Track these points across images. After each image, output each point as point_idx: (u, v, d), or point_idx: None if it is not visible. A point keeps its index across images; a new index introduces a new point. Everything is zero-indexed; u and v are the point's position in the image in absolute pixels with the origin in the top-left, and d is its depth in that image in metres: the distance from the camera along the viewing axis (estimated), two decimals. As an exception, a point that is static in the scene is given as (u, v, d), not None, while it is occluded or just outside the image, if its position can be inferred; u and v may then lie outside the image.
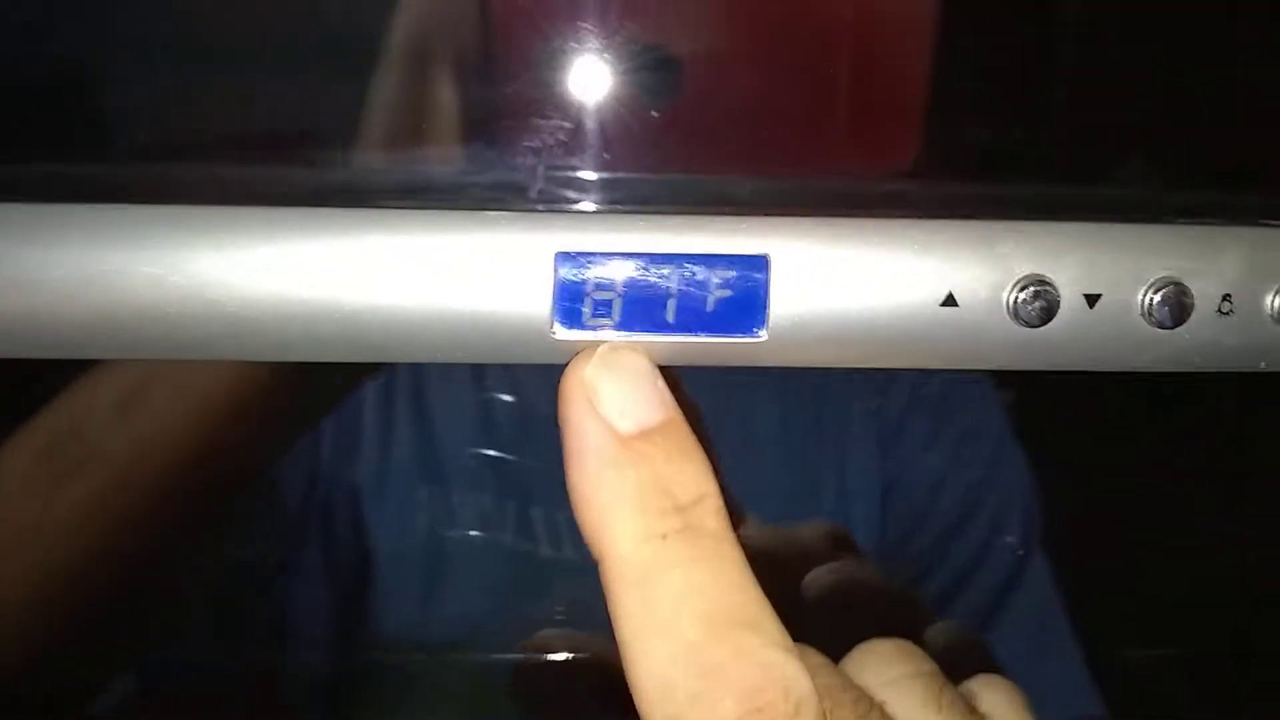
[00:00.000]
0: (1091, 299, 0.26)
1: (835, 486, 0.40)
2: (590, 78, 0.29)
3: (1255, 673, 0.42)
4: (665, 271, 0.25)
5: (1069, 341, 0.26)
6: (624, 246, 0.25)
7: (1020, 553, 0.40)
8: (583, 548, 0.23)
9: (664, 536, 0.22)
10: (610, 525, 0.22)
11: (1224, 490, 0.40)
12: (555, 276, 0.25)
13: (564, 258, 0.25)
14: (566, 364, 0.24)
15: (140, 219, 0.24)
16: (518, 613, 0.41)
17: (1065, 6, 0.30)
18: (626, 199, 0.28)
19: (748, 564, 0.23)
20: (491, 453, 0.39)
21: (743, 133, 0.30)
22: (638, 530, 0.22)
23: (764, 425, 0.39)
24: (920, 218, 0.25)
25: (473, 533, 0.40)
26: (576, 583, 0.40)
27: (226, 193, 0.25)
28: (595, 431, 0.23)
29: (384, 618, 0.41)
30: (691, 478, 0.23)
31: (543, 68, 0.29)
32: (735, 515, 0.30)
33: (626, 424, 0.23)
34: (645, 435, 0.23)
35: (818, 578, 0.38)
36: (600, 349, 0.24)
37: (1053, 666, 0.41)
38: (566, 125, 0.29)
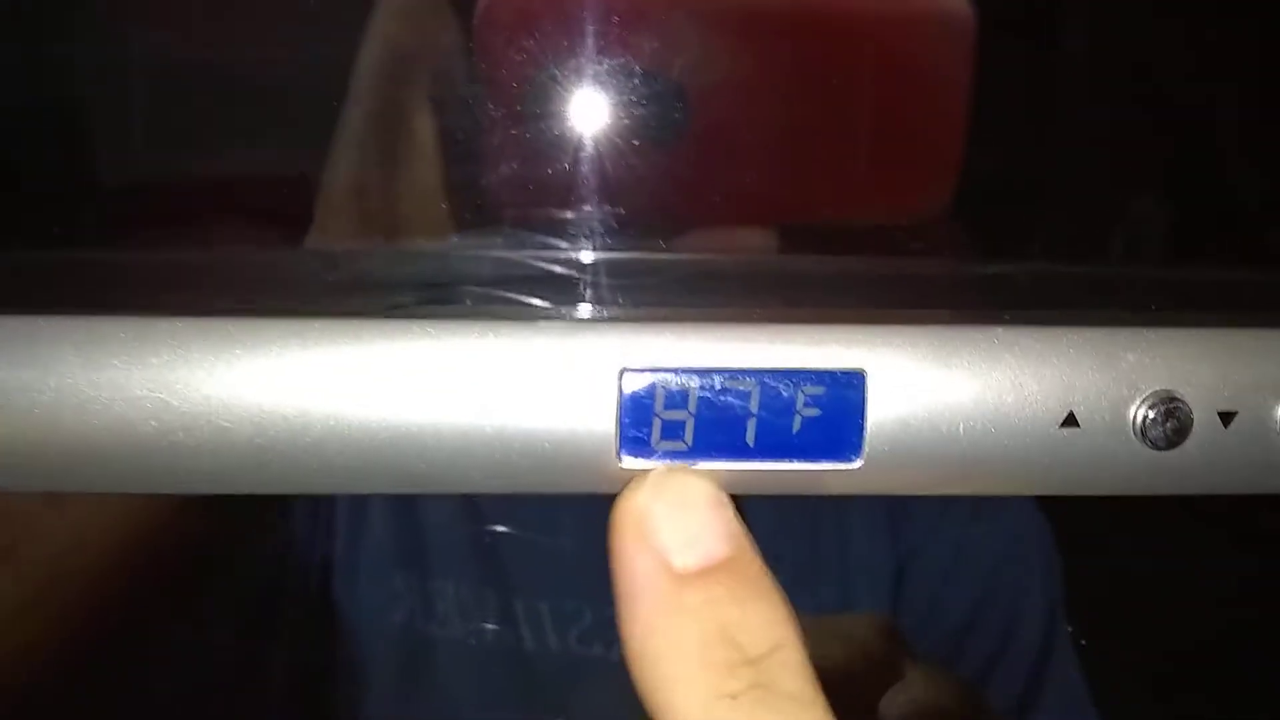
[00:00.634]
0: (1226, 417, 0.23)
1: (840, 565, 0.38)
2: (635, 154, 0.26)
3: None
4: (745, 388, 0.22)
5: (1202, 465, 0.23)
6: (697, 360, 0.22)
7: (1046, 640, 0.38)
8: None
9: (734, 697, 0.18)
10: (669, 683, 0.19)
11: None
12: (619, 395, 0.21)
13: (629, 374, 0.22)
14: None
15: (140, 330, 0.21)
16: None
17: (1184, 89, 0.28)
18: (694, 294, 0.25)
19: None
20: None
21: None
22: (702, 690, 0.19)
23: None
24: (1034, 324, 0.22)
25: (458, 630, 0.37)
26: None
27: (239, 302, 0.22)
28: (650, 570, 0.20)
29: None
30: (764, 624, 0.19)
31: (579, 148, 0.26)
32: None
33: (686, 560, 0.20)
34: (708, 573, 0.20)
35: (893, 699, 0.35)
36: (655, 472, 0.21)
37: None
38: (619, 210, 0.26)
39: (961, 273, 0.25)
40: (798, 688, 0.19)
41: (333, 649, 0.38)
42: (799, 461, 0.22)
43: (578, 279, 0.26)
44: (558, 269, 0.26)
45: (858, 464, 0.22)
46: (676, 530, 0.20)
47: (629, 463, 0.22)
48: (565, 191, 0.26)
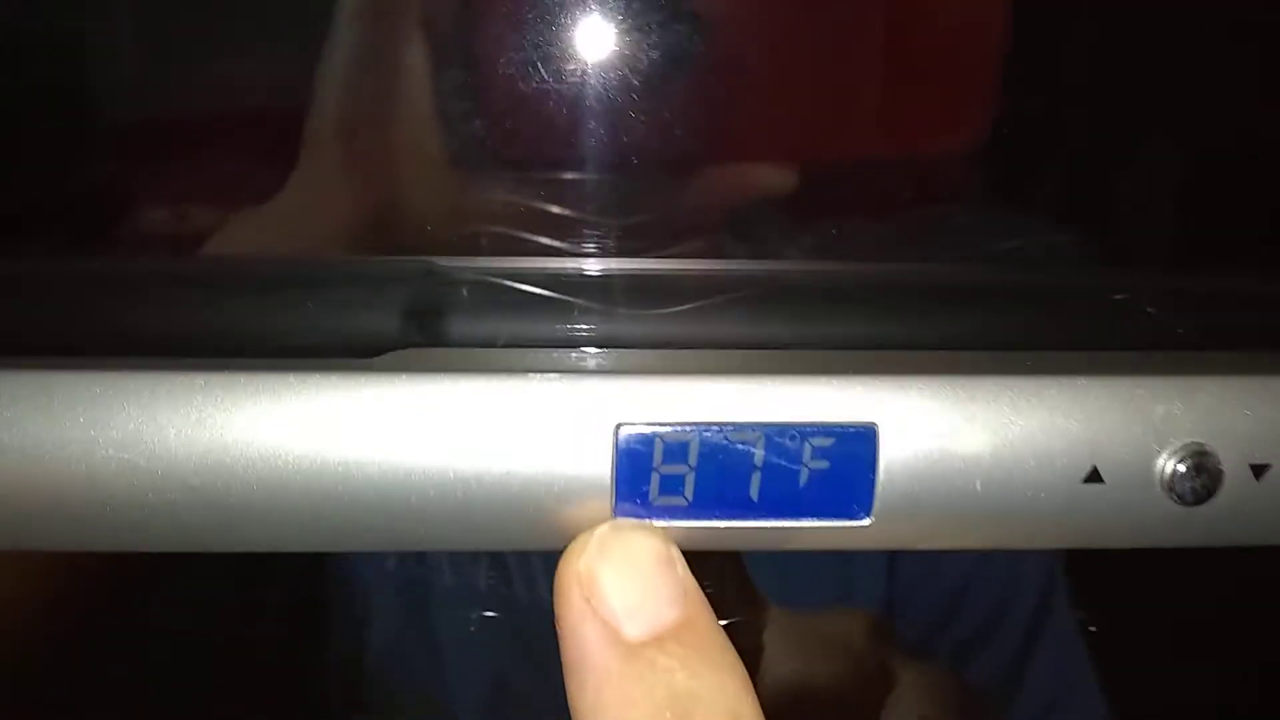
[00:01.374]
0: (1259, 469, 0.21)
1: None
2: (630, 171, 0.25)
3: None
4: (750, 443, 0.20)
5: (1233, 519, 0.21)
6: (696, 414, 0.20)
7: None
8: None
9: None
10: None
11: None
12: (615, 451, 0.20)
13: (626, 428, 0.20)
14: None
15: (116, 383, 0.20)
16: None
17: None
18: (696, 328, 0.24)
19: None
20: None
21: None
22: None
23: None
24: (1055, 374, 0.21)
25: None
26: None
27: (220, 348, 0.21)
28: (597, 639, 0.18)
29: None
30: (718, 694, 0.18)
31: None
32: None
33: (634, 628, 0.18)
34: (658, 641, 0.18)
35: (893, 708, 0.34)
36: (599, 529, 0.19)
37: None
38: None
39: (982, 313, 0.23)
40: None
41: (326, 594, 0.37)
42: (806, 519, 0.21)
43: (574, 306, 0.24)
44: (553, 293, 0.25)
45: (868, 521, 0.21)
46: (623, 594, 0.18)
47: (624, 518, 0.20)
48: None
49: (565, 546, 0.21)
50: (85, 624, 0.33)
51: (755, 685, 0.18)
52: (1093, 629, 0.37)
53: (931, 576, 0.38)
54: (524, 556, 0.36)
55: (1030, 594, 0.38)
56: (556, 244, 0.25)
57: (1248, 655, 0.37)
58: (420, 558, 0.36)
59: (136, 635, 0.35)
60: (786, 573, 0.36)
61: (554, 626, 0.19)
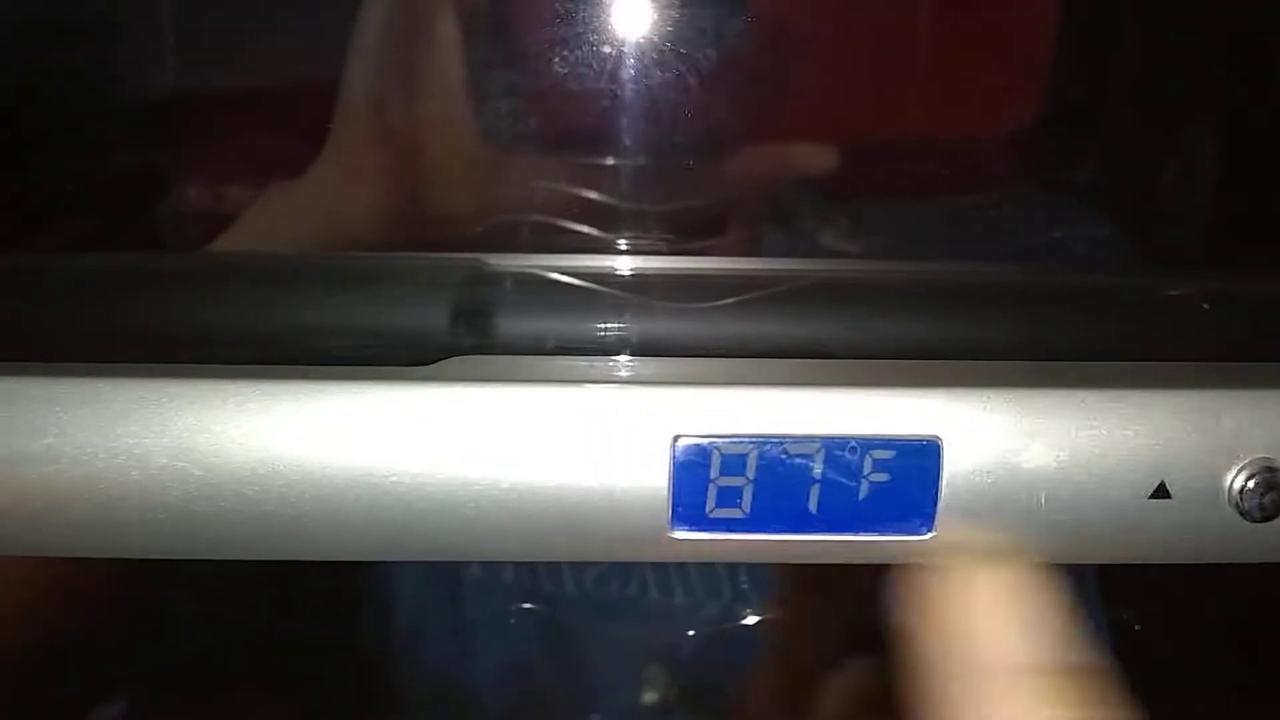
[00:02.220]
0: (1330, 485, 0.21)
1: None
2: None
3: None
4: (810, 456, 0.20)
5: (1301, 537, 0.21)
6: (755, 425, 0.20)
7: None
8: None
9: None
10: None
11: None
12: (672, 463, 0.20)
13: (684, 439, 0.20)
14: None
15: (153, 389, 0.20)
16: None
17: None
18: (750, 339, 0.23)
19: None
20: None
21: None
22: None
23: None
24: (1122, 387, 0.21)
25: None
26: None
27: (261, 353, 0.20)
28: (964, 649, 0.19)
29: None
30: None
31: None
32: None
33: (1012, 656, 0.19)
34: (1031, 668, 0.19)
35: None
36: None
37: None
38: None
39: (1047, 322, 0.23)
40: None
41: (352, 583, 0.37)
42: (865, 534, 0.20)
43: (622, 305, 0.24)
44: (601, 288, 0.24)
45: (930, 535, 0.20)
46: (1007, 625, 0.19)
47: (680, 533, 0.20)
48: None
49: (620, 557, 0.20)
50: (113, 608, 0.33)
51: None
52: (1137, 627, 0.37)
53: None
54: None
55: None
56: (602, 238, 0.25)
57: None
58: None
59: (154, 622, 0.35)
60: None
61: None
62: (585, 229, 0.26)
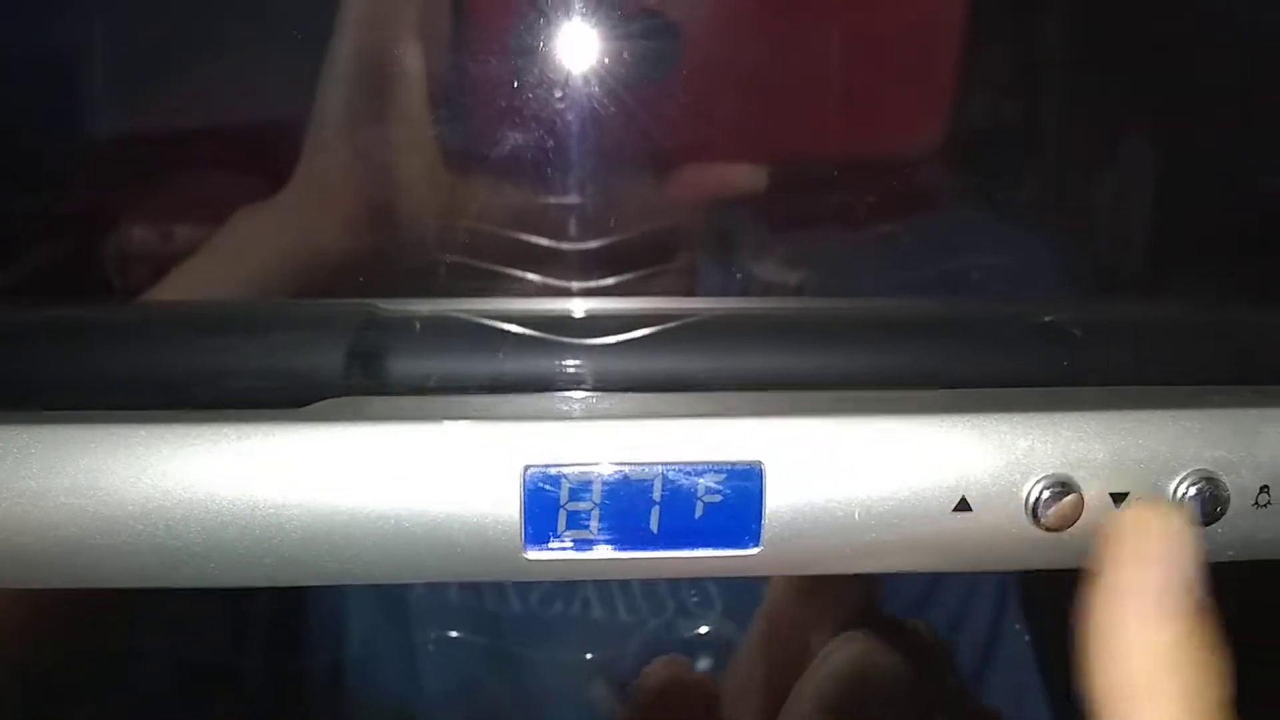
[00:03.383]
0: (1118, 497, 0.23)
1: None
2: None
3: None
4: (648, 481, 0.22)
5: (1093, 542, 0.23)
6: (599, 454, 0.22)
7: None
8: None
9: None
10: (1125, 686, 0.20)
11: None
12: (523, 490, 0.22)
13: (534, 469, 0.22)
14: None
15: (67, 437, 0.22)
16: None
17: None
18: (604, 372, 0.26)
19: None
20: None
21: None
22: (1153, 698, 0.20)
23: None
24: (927, 412, 0.23)
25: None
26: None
27: (153, 400, 0.23)
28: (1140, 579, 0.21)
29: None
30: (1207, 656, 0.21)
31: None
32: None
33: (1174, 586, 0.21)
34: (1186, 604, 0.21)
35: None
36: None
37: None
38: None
39: (871, 337, 0.25)
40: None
41: (296, 611, 0.39)
42: (701, 549, 0.23)
43: (496, 346, 0.26)
44: (472, 329, 0.26)
45: (757, 550, 0.23)
46: (1174, 562, 0.21)
47: (533, 554, 0.22)
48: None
49: (478, 578, 0.23)
50: (52, 651, 0.35)
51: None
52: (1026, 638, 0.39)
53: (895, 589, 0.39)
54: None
55: (985, 612, 0.39)
56: (480, 285, 0.27)
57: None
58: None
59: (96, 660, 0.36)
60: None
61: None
62: (468, 280, 0.28)
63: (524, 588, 0.37)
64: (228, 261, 0.29)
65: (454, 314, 0.27)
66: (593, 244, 0.29)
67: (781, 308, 0.30)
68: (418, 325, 0.27)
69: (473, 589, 0.38)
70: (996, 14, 0.31)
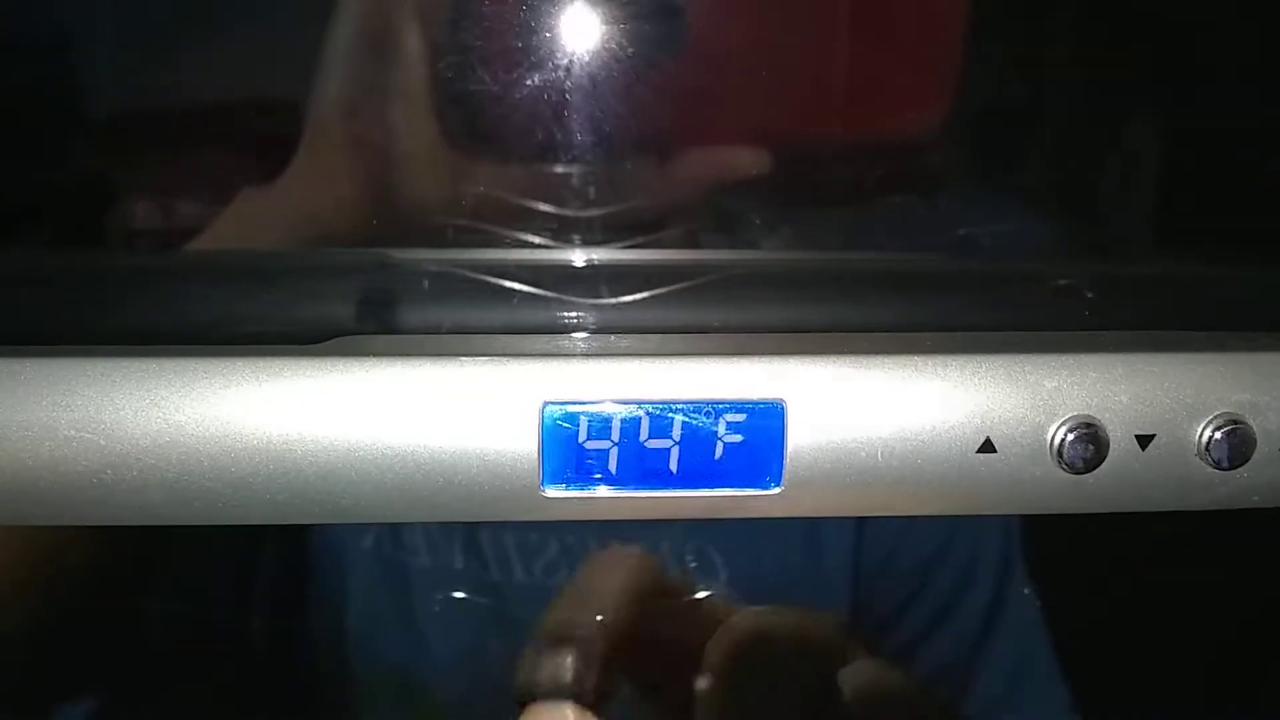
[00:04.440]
0: (1144, 439, 0.23)
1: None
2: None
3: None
4: (668, 419, 0.22)
5: (1119, 486, 0.23)
6: (618, 392, 0.22)
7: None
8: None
9: None
10: None
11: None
12: (540, 427, 0.22)
13: (551, 406, 0.22)
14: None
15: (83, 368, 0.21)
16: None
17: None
18: (622, 319, 0.25)
19: None
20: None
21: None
22: None
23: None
24: (952, 352, 0.23)
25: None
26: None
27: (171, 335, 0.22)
28: None
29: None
30: None
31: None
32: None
33: None
34: None
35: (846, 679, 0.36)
36: None
37: (1036, 689, 0.39)
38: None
39: (889, 291, 0.25)
40: None
41: (304, 573, 0.39)
42: (721, 489, 0.22)
43: (512, 294, 0.26)
44: (492, 280, 0.26)
45: (778, 490, 0.22)
46: None
47: (552, 491, 0.22)
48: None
49: (496, 517, 0.22)
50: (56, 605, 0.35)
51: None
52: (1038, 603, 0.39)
53: (897, 553, 0.39)
54: (498, 540, 0.37)
55: (989, 576, 0.39)
56: (497, 234, 0.27)
57: (1209, 633, 0.39)
58: (398, 541, 0.38)
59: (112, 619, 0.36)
60: (755, 548, 0.37)
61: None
62: (483, 230, 0.28)
63: (527, 557, 0.37)
64: (239, 234, 0.29)
65: (469, 262, 0.27)
66: (602, 210, 0.29)
67: (798, 259, 0.29)
68: (430, 273, 0.26)
69: (477, 559, 0.37)
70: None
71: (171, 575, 0.36)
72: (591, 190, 0.29)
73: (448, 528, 0.39)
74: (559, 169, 0.28)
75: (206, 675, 0.38)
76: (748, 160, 0.29)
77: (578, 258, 0.28)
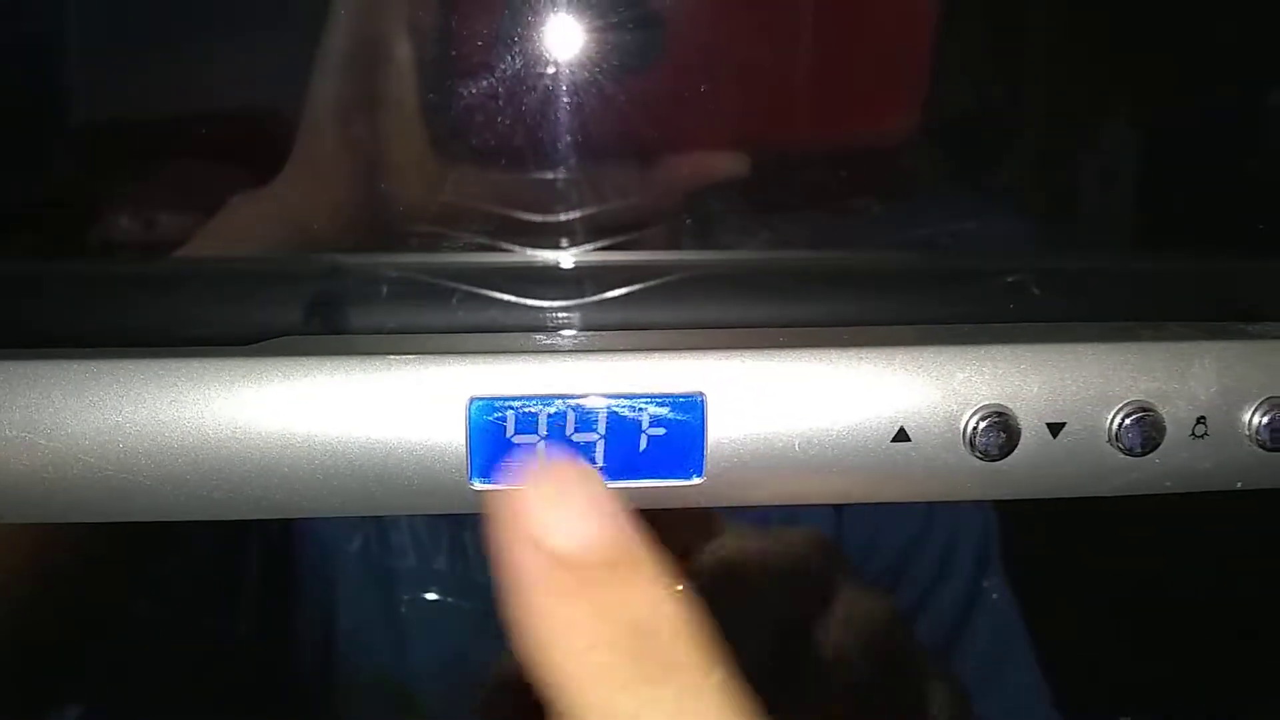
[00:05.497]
0: (1055, 427, 0.24)
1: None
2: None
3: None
4: (593, 413, 0.23)
5: (1031, 472, 0.24)
6: (544, 388, 0.23)
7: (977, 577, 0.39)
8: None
9: (629, 672, 0.18)
10: (565, 663, 0.18)
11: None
12: (469, 422, 0.23)
13: (479, 402, 0.23)
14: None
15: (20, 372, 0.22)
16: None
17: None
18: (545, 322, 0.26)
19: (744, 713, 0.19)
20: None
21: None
22: (597, 669, 0.18)
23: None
24: (867, 345, 0.23)
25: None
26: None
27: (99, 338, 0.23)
28: (533, 558, 0.19)
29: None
30: (651, 601, 0.19)
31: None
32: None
33: (568, 544, 0.19)
34: (590, 556, 0.19)
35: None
36: (532, 465, 0.20)
37: (1013, 678, 0.40)
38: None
39: (807, 285, 0.26)
40: (693, 659, 0.18)
41: (292, 576, 0.39)
42: (646, 480, 0.23)
43: (449, 292, 0.27)
44: (429, 280, 0.27)
45: (701, 480, 0.23)
46: (556, 518, 0.19)
47: (480, 485, 0.23)
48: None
49: (427, 510, 0.23)
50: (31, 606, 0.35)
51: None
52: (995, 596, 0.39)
53: (876, 541, 0.39)
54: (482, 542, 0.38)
55: (966, 567, 0.40)
56: (433, 237, 0.28)
57: (1185, 624, 0.40)
58: (385, 546, 0.38)
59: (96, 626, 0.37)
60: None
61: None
62: (420, 233, 0.29)
63: None
64: (228, 242, 0.29)
65: (408, 265, 0.27)
66: (572, 215, 0.30)
67: (731, 259, 0.30)
68: (368, 275, 0.27)
69: (461, 557, 0.38)
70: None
71: (153, 579, 0.37)
72: (570, 190, 0.29)
73: (434, 530, 0.39)
74: (539, 171, 0.29)
75: (189, 680, 0.38)
76: (720, 165, 0.30)
77: (513, 260, 0.29)
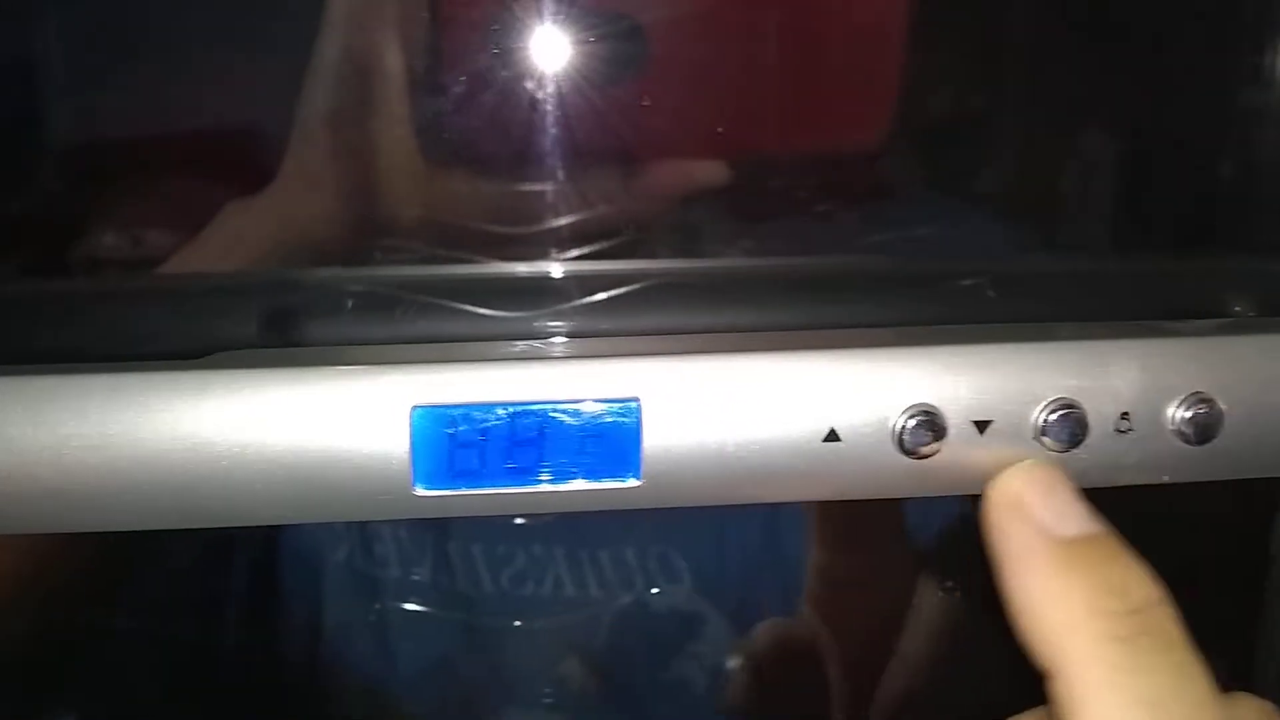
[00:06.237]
0: (981, 424, 0.24)
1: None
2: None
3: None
4: (531, 419, 0.23)
5: (959, 469, 0.25)
6: (484, 395, 0.23)
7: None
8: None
9: (1123, 639, 0.21)
10: (1064, 630, 0.22)
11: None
12: (411, 430, 0.23)
13: (420, 410, 0.23)
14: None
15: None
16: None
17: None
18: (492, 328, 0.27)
19: (1210, 677, 0.22)
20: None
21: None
22: (1095, 633, 0.21)
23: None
24: (797, 349, 0.24)
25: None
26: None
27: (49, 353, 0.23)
28: (1033, 539, 0.23)
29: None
30: (1140, 581, 0.22)
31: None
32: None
33: (1067, 530, 0.23)
34: (1086, 540, 0.23)
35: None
36: (1021, 464, 0.24)
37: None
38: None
39: (741, 292, 0.27)
40: (1178, 635, 0.22)
41: (275, 586, 0.39)
42: (584, 482, 0.24)
43: (395, 304, 0.27)
44: (375, 291, 0.27)
45: (638, 482, 0.24)
46: (1049, 508, 0.23)
47: (422, 491, 0.23)
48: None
49: (372, 516, 0.24)
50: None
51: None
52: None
53: None
54: (468, 555, 0.38)
55: None
56: (379, 251, 0.28)
57: None
58: (368, 554, 0.38)
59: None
60: (716, 549, 0.38)
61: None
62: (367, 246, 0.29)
63: (495, 568, 0.38)
64: (219, 254, 0.30)
65: (355, 278, 0.28)
66: (538, 226, 0.30)
67: (677, 267, 0.31)
68: (321, 289, 0.28)
69: (446, 571, 0.38)
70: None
71: (135, 590, 0.37)
72: (520, 204, 0.30)
73: (418, 541, 0.40)
74: (527, 181, 0.30)
75: (173, 691, 0.39)
76: (702, 174, 0.30)
77: (460, 270, 0.29)
